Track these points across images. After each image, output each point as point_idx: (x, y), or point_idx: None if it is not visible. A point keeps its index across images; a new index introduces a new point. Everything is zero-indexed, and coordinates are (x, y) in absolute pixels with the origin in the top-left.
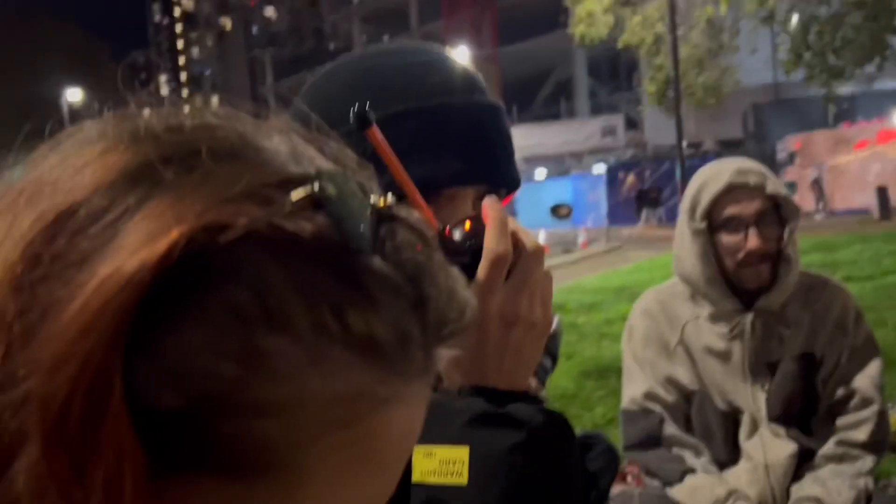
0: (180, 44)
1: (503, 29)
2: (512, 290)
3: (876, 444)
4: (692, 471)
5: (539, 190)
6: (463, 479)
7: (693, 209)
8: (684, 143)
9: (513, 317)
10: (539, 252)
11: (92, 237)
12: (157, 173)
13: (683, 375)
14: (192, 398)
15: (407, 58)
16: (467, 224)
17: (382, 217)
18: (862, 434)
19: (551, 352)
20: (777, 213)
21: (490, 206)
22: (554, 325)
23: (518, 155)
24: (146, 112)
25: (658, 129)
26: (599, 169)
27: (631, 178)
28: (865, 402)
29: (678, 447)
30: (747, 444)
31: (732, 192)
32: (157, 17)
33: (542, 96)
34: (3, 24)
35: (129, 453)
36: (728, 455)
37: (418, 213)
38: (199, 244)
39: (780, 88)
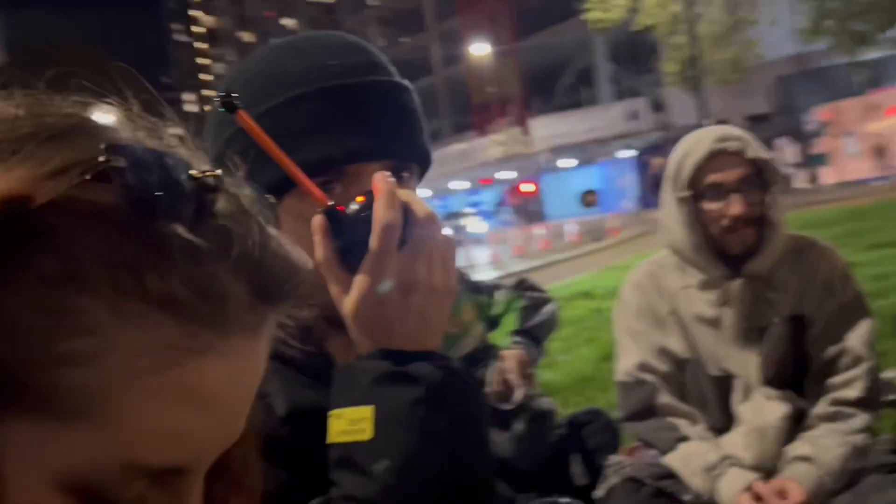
0: (202, 61)
1: (520, 21)
2: (407, 257)
3: (869, 402)
4: (686, 438)
5: (566, 179)
6: (369, 434)
7: (676, 178)
8: (709, 122)
9: (411, 282)
10: (431, 218)
11: None
12: None
13: (676, 344)
14: (8, 351)
15: (309, 43)
16: (361, 198)
17: (198, 188)
18: (854, 392)
19: (537, 340)
20: (761, 177)
21: (378, 179)
22: (544, 316)
23: (543, 146)
24: None
25: (683, 110)
26: (626, 154)
27: (660, 161)
28: (856, 360)
29: (673, 416)
30: (741, 408)
31: (714, 159)
32: (177, 36)
33: (563, 85)
34: (24, 50)
35: None
36: (724, 421)
37: (250, 187)
38: (7, 214)
39: (806, 59)
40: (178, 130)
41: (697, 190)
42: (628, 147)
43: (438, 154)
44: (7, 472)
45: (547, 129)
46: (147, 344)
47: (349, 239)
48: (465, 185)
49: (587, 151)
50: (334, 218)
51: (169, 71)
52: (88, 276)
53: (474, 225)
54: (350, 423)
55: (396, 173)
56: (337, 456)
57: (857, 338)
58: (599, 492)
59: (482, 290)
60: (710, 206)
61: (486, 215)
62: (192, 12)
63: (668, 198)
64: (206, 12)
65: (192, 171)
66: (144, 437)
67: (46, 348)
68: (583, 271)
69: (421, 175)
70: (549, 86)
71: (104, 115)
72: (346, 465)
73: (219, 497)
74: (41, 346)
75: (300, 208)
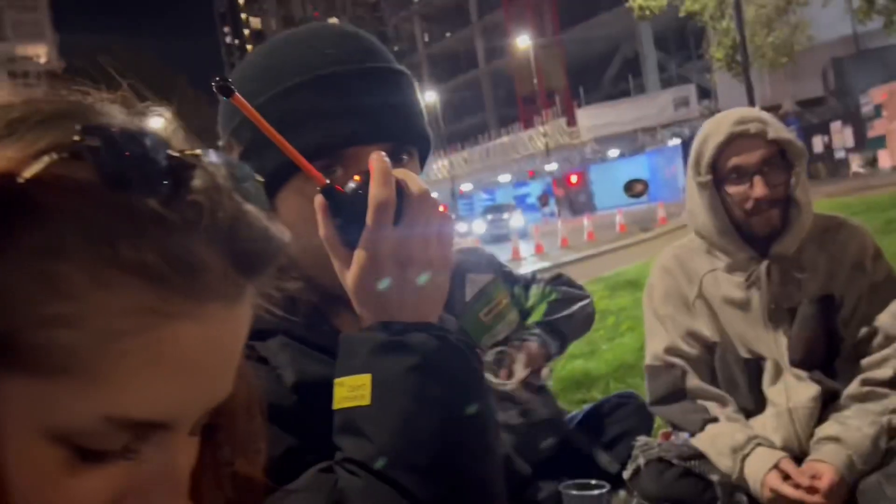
0: None
1: (564, 12)
2: (403, 233)
3: None
4: (714, 420)
5: (613, 169)
6: (368, 401)
7: (698, 162)
8: (759, 108)
9: (406, 257)
10: (425, 195)
11: None
12: None
13: (705, 327)
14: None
15: (307, 35)
16: (357, 178)
17: (176, 166)
18: (887, 371)
19: (561, 335)
20: (784, 158)
21: (374, 158)
22: (572, 311)
23: (589, 136)
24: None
25: (731, 96)
26: (674, 142)
27: None
28: (889, 340)
29: (702, 399)
30: (771, 390)
31: (734, 142)
32: (229, 39)
33: (610, 75)
34: (79, 57)
35: None
36: (754, 403)
37: (229, 164)
38: None
39: (862, 39)
40: (165, 114)
41: (720, 174)
42: (677, 135)
43: (483, 147)
44: (2, 424)
45: (593, 119)
46: (124, 308)
47: (347, 216)
48: (511, 177)
49: (635, 141)
50: (333, 197)
51: (224, 73)
52: (69, 246)
53: (516, 219)
54: (351, 391)
55: (395, 156)
56: (339, 421)
57: (888, 316)
58: (627, 472)
59: (518, 282)
60: (733, 189)
61: (532, 207)
62: (242, 15)
63: (692, 183)
64: (254, 15)
65: (170, 151)
66: (125, 393)
67: (33, 312)
68: (630, 261)
69: (422, 158)
70: (595, 76)
71: (94, 102)
72: (346, 430)
73: (224, 459)
74: (28, 310)
75: (303, 189)
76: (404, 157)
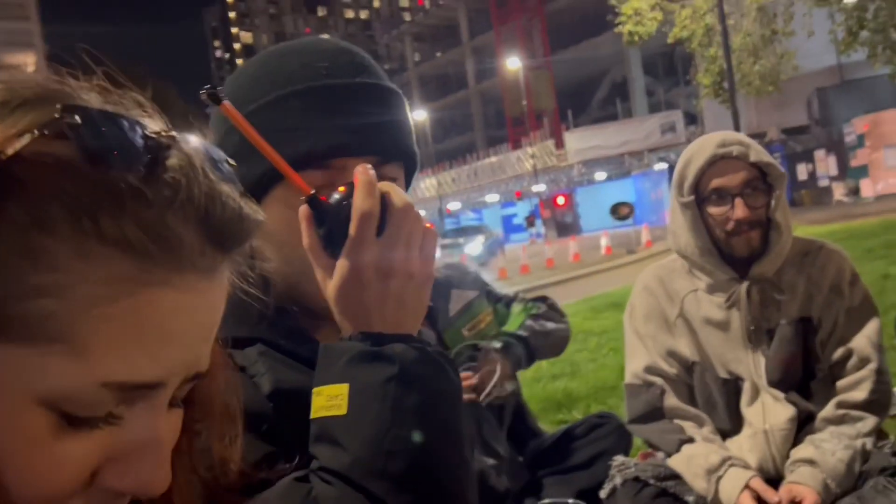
0: None
1: (554, 35)
2: (385, 244)
3: (876, 404)
4: (691, 440)
5: (599, 192)
6: (345, 410)
7: (681, 183)
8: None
9: (388, 268)
10: (408, 208)
11: None
12: None
13: (684, 347)
14: None
15: (302, 47)
16: (342, 189)
17: (152, 146)
18: (861, 394)
19: (533, 348)
20: (765, 181)
21: (359, 170)
22: (546, 329)
23: (577, 158)
24: None
25: (718, 122)
26: (661, 167)
27: None
28: (863, 362)
29: (680, 418)
30: (748, 411)
31: (717, 164)
32: (219, 53)
33: (598, 98)
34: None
35: None
36: (732, 424)
37: (204, 147)
38: None
39: (845, 70)
40: (141, 100)
41: (702, 195)
42: (663, 160)
43: (472, 167)
44: None
45: (581, 141)
46: (105, 277)
47: (331, 227)
48: (499, 197)
49: (622, 164)
50: (317, 207)
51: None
52: (52, 219)
53: (472, 246)
54: (328, 400)
55: (381, 170)
56: (315, 430)
57: (864, 339)
58: (604, 492)
59: (502, 300)
60: (715, 210)
61: (518, 228)
62: (233, 30)
63: (675, 203)
64: (245, 29)
65: (147, 131)
66: (109, 356)
67: (19, 282)
68: (615, 284)
69: (409, 176)
70: (584, 99)
71: (72, 87)
72: (322, 439)
73: (200, 442)
74: (15, 281)
75: (288, 198)
76: (391, 171)
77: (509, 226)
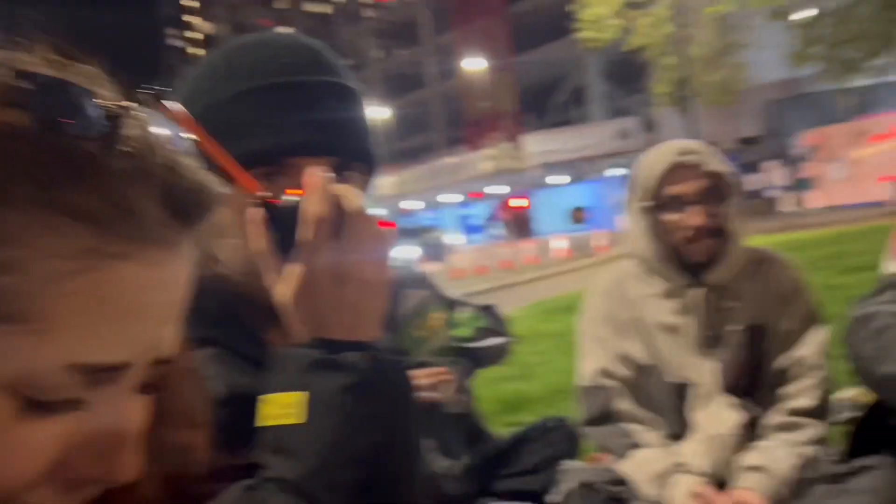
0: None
1: (517, 37)
2: (339, 250)
3: (821, 411)
4: (638, 445)
5: (557, 195)
6: (300, 419)
7: (639, 189)
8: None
9: (342, 274)
10: (360, 213)
11: None
12: None
13: (637, 351)
14: None
15: (263, 41)
16: (294, 191)
17: (106, 115)
18: (808, 401)
19: (478, 360)
20: (719, 190)
21: (309, 173)
22: (491, 344)
23: (535, 161)
24: None
25: (674, 131)
26: (616, 172)
27: None
28: (809, 370)
29: (631, 422)
30: (698, 416)
31: (675, 171)
32: (170, 41)
33: (556, 102)
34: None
35: None
36: (682, 428)
37: (160, 118)
38: None
39: (798, 84)
40: (95, 72)
41: (659, 201)
42: (619, 165)
43: (430, 167)
44: None
45: (539, 145)
46: (65, 251)
47: (283, 230)
48: (456, 198)
49: (578, 169)
50: (269, 209)
51: (158, 74)
52: (6, 190)
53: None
54: (281, 408)
55: (340, 171)
56: (266, 438)
57: (810, 347)
58: (554, 497)
59: (449, 303)
60: (671, 216)
61: (476, 228)
62: (187, 18)
63: (633, 207)
64: (203, 19)
65: (99, 100)
66: (72, 335)
67: None
68: (569, 287)
69: (369, 176)
70: (543, 102)
71: (21, 56)
72: (275, 448)
73: (165, 430)
74: None
75: (240, 200)
76: (349, 172)
77: (467, 226)
